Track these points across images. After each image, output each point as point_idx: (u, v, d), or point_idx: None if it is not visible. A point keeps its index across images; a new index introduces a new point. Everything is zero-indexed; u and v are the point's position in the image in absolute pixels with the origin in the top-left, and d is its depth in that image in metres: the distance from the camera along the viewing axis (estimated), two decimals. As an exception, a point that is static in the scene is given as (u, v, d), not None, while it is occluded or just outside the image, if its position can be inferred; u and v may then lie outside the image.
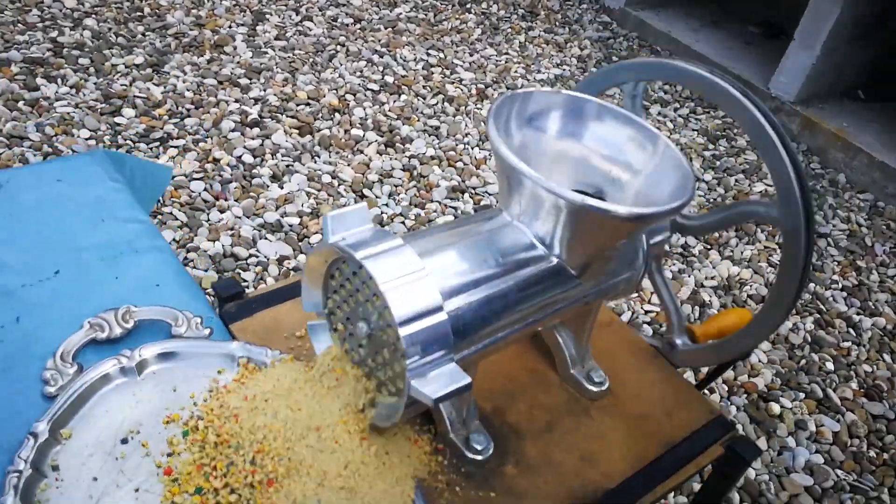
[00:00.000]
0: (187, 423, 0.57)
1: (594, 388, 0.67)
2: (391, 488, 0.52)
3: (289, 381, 0.55)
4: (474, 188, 2.10)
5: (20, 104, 1.99)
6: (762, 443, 1.58)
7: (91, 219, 0.75)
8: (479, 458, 0.61)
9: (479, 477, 0.61)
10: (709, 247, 2.10)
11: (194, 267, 1.65)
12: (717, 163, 2.47)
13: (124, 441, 0.56)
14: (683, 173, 0.55)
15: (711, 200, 2.27)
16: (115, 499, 0.52)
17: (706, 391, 1.50)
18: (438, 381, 0.46)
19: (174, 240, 1.71)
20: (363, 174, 2.05)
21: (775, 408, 1.65)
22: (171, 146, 1.98)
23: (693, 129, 2.63)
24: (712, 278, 1.98)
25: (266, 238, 1.77)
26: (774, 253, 2.12)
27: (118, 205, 0.76)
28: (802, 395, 1.71)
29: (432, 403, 0.45)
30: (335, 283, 0.53)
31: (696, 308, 1.86)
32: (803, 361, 1.79)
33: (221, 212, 1.82)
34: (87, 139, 1.94)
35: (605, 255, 0.57)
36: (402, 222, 1.91)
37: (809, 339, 1.87)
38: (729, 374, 1.72)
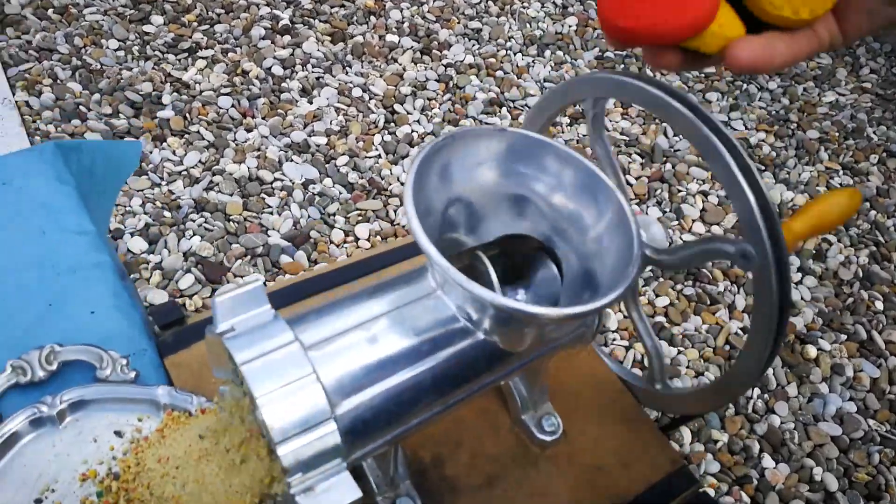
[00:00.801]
0: (102, 481, 0.57)
1: (544, 438, 0.64)
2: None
3: (203, 445, 0.53)
4: (513, 101, 1.99)
5: (49, 12, 1.95)
6: (792, 388, 1.53)
7: (32, 231, 0.72)
8: (405, 526, 0.59)
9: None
10: (763, 168, 1.95)
11: (219, 191, 1.64)
12: (785, 68, 2.26)
13: (38, 501, 0.57)
14: (628, 241, 0.48)
15: (773, 113, 2.10)
16: (31, 564, 0.54)
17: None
18: (327, 496, 0.43)
19: (200, 161, 1.70)
20: (395, 86, 1.96)
21: (811, 351, 1.58)
22: (200, 57, 1.93)
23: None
24: (763, 204, 1.86)
25: (292, 160, 1.73)
26: (836, 175, 1.96)
27: (63, 212, 0.73)
28: (844, 337, 1.63)
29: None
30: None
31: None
32: (850, 300, 1.69)
33: (248, 130, 1.78)
34: (115, 50, 1.90)
35: (544, 332, 0.52)
36: (433, 141, 1.84)
37: (861, 275, 1.75)
38: (766, 313, 1.64)
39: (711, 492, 1.34)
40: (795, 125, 2.08)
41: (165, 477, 0.53)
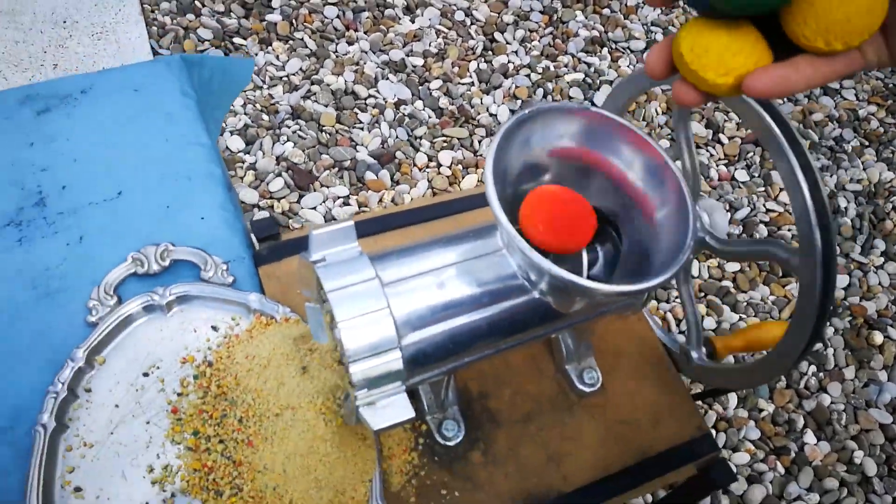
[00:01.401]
0: (199, 366, 0.65)
1: (583, 388, 0.69)
2: (350, 475, 0.59)
3: (285, 349, 0.61)
4: (616, 42, 1.96)
5: None
6: (850, 371, 1.52)
7: (157, 138, 0.80)
8: (449, 443, 0.66)
9: (445, 461, 0.66)
10: (867, 143, 1.88)
11: (316, 101, 1.70)
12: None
13: (146, 374, 0.66)
14: (685, 229, 0.51)
15: (891, 86, 1.99)
16: (129, 427, 0.63)
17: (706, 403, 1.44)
18: (385, 411, 0.50)
19: (301, 69, 1.75)
20: (499, 13, 1.95)
21: (878, 338, 1.57)
22: (312, -38, 1.96)
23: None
24: (858, 181, 1.80)
25: (388, 78, 1.77)
26: (944, 160, 1.87)
27: (184, 124, 0.80)
28: (915, 329, 1.60)
29: (374, 433, 0.50)
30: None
31: (826, 214, 1.72)
32: (931, 292, 1.65)
33: (350, 44, 1.82)
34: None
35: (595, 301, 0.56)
36: (528, 75, 1.84)
37: (949, 267, 1.70)
38: (839, 293, 1.63)
39: (746, 457, 1.38)
40: (911, 102, 1.98)
41: (250, 371, 0.61)
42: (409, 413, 0.50)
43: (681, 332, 1.52)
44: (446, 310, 0.51)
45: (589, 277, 0.57)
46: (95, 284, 0.70)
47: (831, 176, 1.80)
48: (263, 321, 0.67)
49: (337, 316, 0.47)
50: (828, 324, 1.58)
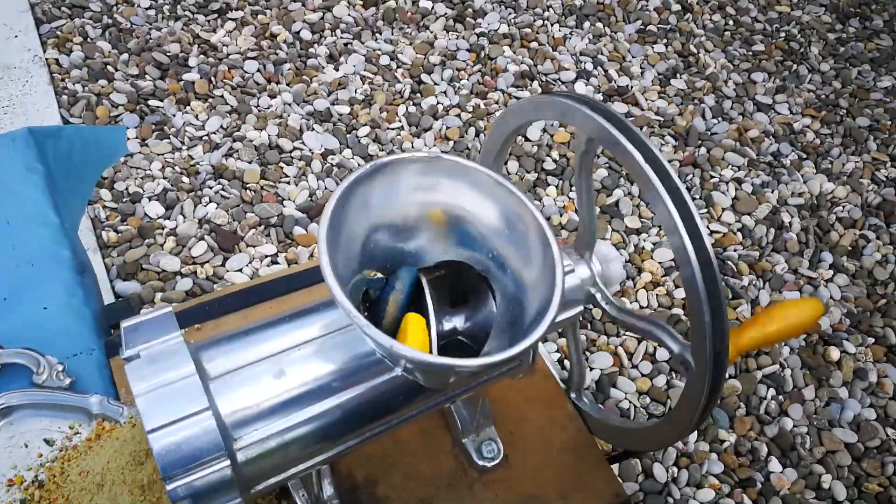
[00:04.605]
0: (28, 487, 0.57)
1: (483, 463, 0.62)
2: None
3: (124, 461, 0.53)
4: (546, 74, 1.93)
5: (85, -33, 1.96)
6: (810, 391, 1.47)
7: (-3, 220, 0.73)
8: (325, 548, 0.58)
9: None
10: (804, 156, 1.86)
11: (238, 158, 1.64)
12: (842, 49, 2.13)
13: (-38, 504, 0.58)
14: (550, 286, 0.45)
15: (823, 97, 1.99)
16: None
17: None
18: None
19: (221, 126, 1.70)
20: (425, 55, 1.92)
21: (834, 354, 1.52)
22: (229, 18, 1.92)
23: (821, 5, 2.25)
24: (800, 195, 1.77)
25: (313, 129, 1.72)
26: (883, 167, 1.86)
27: (29, 202, 0.73)
28: (871, 341, 1.56)
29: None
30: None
31: (772, 230, 1.69)
32: (882, 301, 1.62)
33: (272, 97, 1.77)
34: (146, 9, 1.91)
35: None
36: (458, 115, 1.80)
37: (898, 276, 1.67)
38: (790, 310, 1.58)
39: (711, 493, 1.32)
40: (845, 111, 1.97)
41: (83, 492, 0.53)
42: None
43: (633, 367, 1.46)
44: (289, 401, 0.44)
45: (468, 339, 0.51)
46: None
47: (772, 192, 1.77)
48: (107, 427, 0.59)
49: (146, 423, 0.40)
50: (783, 344, 1.53)
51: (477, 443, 0.62)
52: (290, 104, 1.75)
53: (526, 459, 0.64)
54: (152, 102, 1.70)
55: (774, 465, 1.37)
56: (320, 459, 0.47)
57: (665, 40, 2.09)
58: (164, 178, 1.58)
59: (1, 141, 0.76)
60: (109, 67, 1.74)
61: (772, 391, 1.46)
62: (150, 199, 1.54)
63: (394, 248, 0.50)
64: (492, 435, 0.63)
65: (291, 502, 0.57)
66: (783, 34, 2.17)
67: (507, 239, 0.48)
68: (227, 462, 0.42)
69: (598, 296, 0.57)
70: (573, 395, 0.65)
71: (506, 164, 1.73)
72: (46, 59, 1.73)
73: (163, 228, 1.50)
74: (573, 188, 1.70)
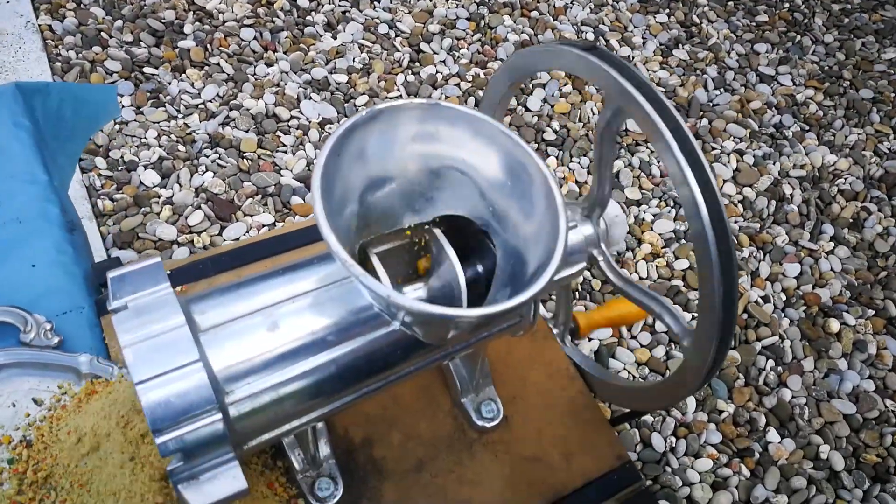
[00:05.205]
0: (15, 448, 0.56)
1: (483, 423, 0.61)
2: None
3: (115, 420, 0.52)
4: (546, 44, 1.90)
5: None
6: (809, 363, 1.47)
7: (-17, 177, 0.71)
8: (325, 505, 0.57)
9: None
10: (807, 127, 1.84)
11: (235, 127, 1.62)
12: (846, 20, 2.10)
13: (-49, 463, 0.56)
14: (553, 241, 0.44)
15: (826, 69, 1.96)
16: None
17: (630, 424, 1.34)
18: (207, 486, 0.42)
19: (218, 95, 1.67)
20: (424, 23, 1.89)
21: (834, 325, 1.51)
22: (226, -15, 1.88)
23: (826, -25, 2.22)
24: (801, 167, 1.76)
25: (311, 98, 1.70)
26: (886, 139, 1.84)
27: (16, 159, 0.71)
28: (871, 313, 1.55)
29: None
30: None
31: (773, 202, 1.67)
32: (883, 273, 1.61)
33: (269, 65, 1.75)
34: (141, -24, 1.87)
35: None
36: (458, 84, 1.78)
37: (899, 248, 1.66)
38: (791, 282, 1.57)
39: (709, 462, 1.31)
40: (848, 83, 1.95)
41: (73, 451, 0.52)
42: (240, 484, 0.42)
43: (633, 338, 1.46)
44: (283, 355, 0.43)
45: (470, 294, 0.50)
46: None
47: (774, 163, 1.75)
48: (98, 386, 0.58)
49: (135, 376, 0.39)
50: (783, 315, 1.53)
51: (476, 403, 0.61)
52: (287, 73, 1.73)
53: (527, 421, 0.63)
54: (147, 70, 1.67)
55: (773, 435, 1.37)
56: (316, 415, 0.46)
57: (667, 10, 2.06)
58: (160, 146, 1.56)
59: (-12, 98, 0.74)
60: (103, 34, 1.71)
61: (771, 362, 1.46)
62: (145, 167, 1.52)
63: (391, 202, 0.49)
64: (491, 395, 0.61)
65: (287, 462, 0.56)
66: (787, 4, 2.14)
67: (509, 191, 0.46)
68: (219, 416, 0.40)
69: (601, 259, 0.56)
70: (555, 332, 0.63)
71: (505, 134, 1.71)
72: (39, 26, 1.70)
73: (159, 197, 1.49)
74: (573, 159, 1.69)
